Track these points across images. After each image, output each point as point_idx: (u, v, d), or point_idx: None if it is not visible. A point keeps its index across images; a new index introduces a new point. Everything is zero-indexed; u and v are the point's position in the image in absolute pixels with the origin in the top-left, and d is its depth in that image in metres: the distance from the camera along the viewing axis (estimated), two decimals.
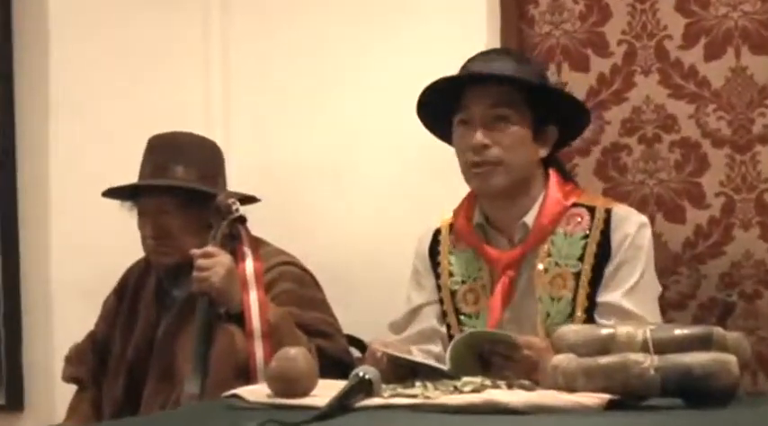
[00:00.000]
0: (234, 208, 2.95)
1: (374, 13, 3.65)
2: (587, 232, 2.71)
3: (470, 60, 2.81)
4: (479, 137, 2.71)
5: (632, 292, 2.66)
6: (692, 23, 3.31)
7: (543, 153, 2.78)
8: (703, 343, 2.06)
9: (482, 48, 3.31)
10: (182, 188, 3.15)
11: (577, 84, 3.40)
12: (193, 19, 3.85)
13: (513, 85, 2.72)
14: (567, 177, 2.86)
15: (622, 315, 2.60)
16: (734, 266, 3.25)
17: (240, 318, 2.92)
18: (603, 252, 2.69)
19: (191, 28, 3.85)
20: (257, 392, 2.26)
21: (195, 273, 2.90)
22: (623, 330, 2.11)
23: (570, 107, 2.83)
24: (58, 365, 3.45)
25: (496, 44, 3.44)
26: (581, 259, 2.69)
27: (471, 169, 2.74)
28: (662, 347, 2.05)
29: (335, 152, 3.66)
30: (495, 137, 2.71)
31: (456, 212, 2.85)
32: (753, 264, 3.23)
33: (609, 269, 2.68)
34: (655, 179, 3.33)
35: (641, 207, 3.29)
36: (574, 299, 2.67)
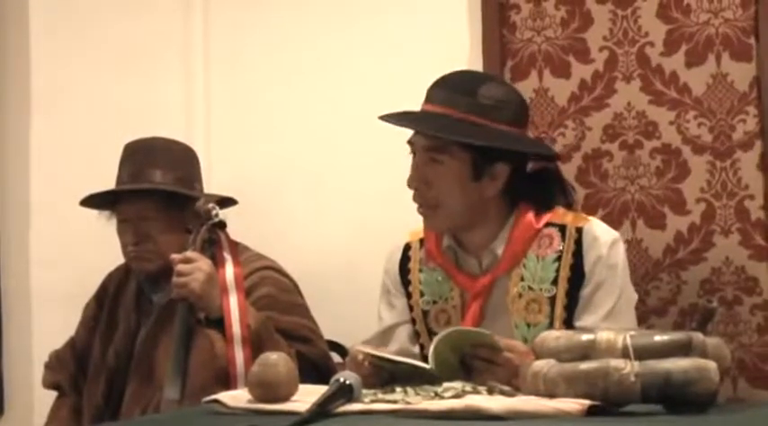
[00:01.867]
0: (213, 213, 2.94)
1: (356, 19, 3.65)
2: (559, 253, 2.67)
3: (432, 90, 2.74)
4: (412, 178, 2.70)
5: (610, 316, 2.63)
6: (674, 30, 3.32)
7: (492, 190, 2.70)
8: (683, 350, 2.06)
9: (464, 54, 3.34)
10: (161, 192, 3.15)
11: (559, 91, 3.40)
12: (174, 21, 3.85)
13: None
14: (568, 198, 2.80)
15: None
16: (714, 272, 3.26)
17: (220, 323, 2.91)
18: (577, 274, 2.65)
19: (172, 30, 3.85)
20: (238, 397, 2.25)
21: (175, 279, 2.89)
22: (604, 336, 2.11)
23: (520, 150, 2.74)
24: (38, 371, 3.45)
25: (478, 50, 3.44)
26: (555, 282, 2.65)
27: (417, 209, 2.73)
28: (642, 353, 2.05)
29: (315, 157, 3.67)
30: (429, 179, 2.68)
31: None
32: (733, 271, 3.24)
33: (584, 292, 2.65)
34: (636, 185, 3.33)
35: (622, 213, 3.30)
36: (550, 325, 2.63)
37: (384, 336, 2.83)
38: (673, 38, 3.32)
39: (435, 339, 2.41)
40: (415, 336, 2.80)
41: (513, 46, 3.47)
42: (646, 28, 3.34)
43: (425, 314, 2.77)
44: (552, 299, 2.65)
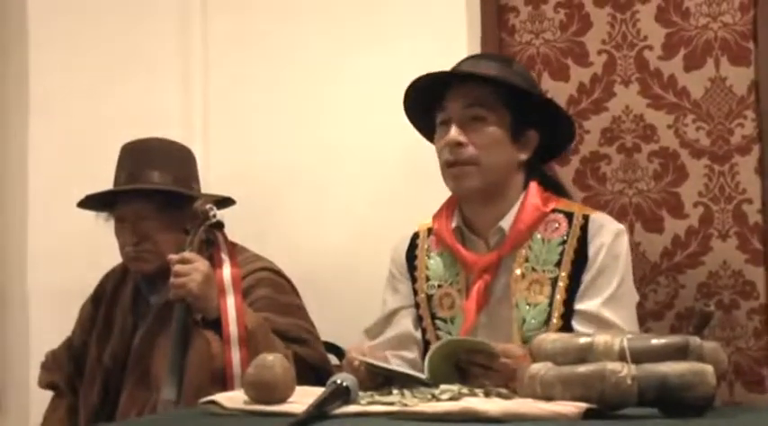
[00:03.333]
0: (211, 213, 2.94)
1: (355, 22, 3.65)
2: (565, 237, 2.71)
3: (459, 63, 2.82)
4: (454, 134, 2.72)
5: (610, 301, 2.66)
6: (672, 34, 3.32)
7: (523, 157, 2.78)
8: (680, 353, 2.06)
9: (463, 56, 3.32)
10: (159, 193, 3.15)
11: (557, 94, 3.41)
12: (173, 24, 3.85)
13: (492, 86, 2.72)
14: (561, 192, 2.85)
15: (600, 323, 2.61)
16: (711, 276, 3.26)
17: (217, 324, 2.91)
18: (580, 258, 2.69)
19: (170, 33, 3.85)
20: (234, 398, 2.25)
21: (172, 279, 2.89)
22: (601, 339, 2.10)
23: (553, 113, 2.82)
24: (34, 371, 3.44)
25: (477, 53, 3.44)
26: (558, 265, 2.68)
27: (447, 168, 2.75)
28: (639, 356, 2.05)
29: (314, 157, 3.67)
30: (471, 136, 2.72)
31: (436, 215, 2.85)
32: (730, 274, 3.24)
33: (587, 277, 2.68)
34: (633, 188, 3.34)
35: (620, 216, 3.30)
36: (550, 305, 2.67)
37: (386, 321, 2.85)
38: (671, 42, 3.32)
39: (430, 350, 2.42)
40: (418, 321, 2.81)
41: (512, 49, 3.47)
42: (645, 31, 3.35)
43: (430, 298, 2.79)
44: (554, 281, 2.68)
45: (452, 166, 2.73)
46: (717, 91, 3.28)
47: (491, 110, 2.73)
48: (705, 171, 3.28)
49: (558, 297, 2.67)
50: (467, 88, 2.75)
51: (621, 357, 2.06)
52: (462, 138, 2.71)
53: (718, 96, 3.28)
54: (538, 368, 2.14)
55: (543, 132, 2.80)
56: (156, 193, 3.15)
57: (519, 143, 2.76)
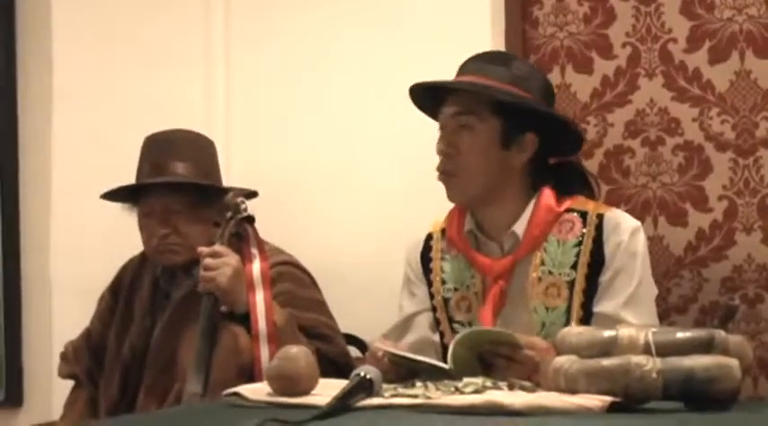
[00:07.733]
0: (242, 207, 2.94)
1: (377, 15, 3.65)
2: (580, 238, 2.69)
3: (465, 63, 2.80)
4: (440, 144, 2.73)
5: (630, 302, 2.64)
6: (697, 26, 3.31)
7: (518, 161, 2.74)
8: (705, 347, 2.05)
9: (486, 49, 3.32)
10: (187, 185, 3.14)
11: (581, 86, 3.40)
12: (195, 16, 3.85)
13: (480, 93, 2.71)
14: (589, 188, 2.82)
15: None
16: (736, 270, 3.25)
17: (244, 318, 2.90)
18: (596, 260, 2.67)
19: (193, 26, 3.85)
20: (258, 390, 2.26)
21: (202, 272, 2.89)
22: (626, 332, 2.10)
23: (552, 116, 2.79)
24: (57, 362, 3.45)
25: (500, 46, 3.44)
26: (574, 267, 2.67)
27: (439, 177, 2.75)
28: (664, 350, 2.05)
29: (336, 152, 3.66)
30: (458, 144, 2.71)
31: (448, 217, 2.83)
32: (755, 268, 3.23)
33: (604, 278, 2.66)
34: (658, 182, 3.33)
35: (644, 210, 3.29)
36: (568, 309, 2.65)
37: (404, 325, 2.84)
38: (696, 34, 3.31)
39: (453, 340, 2.42)
40: (436, 324, 2.80)
41: (536, 41, 3.46)
42: (669, 24, 3.33)
43: (446, 301, 2.78)
44: (571, 284, 2.66)
45: (440, 174, 2.75)
46: (742, 84, 3.26)
47: (479, 117, 2.71)
48: (730, 164, 3.27)
49: (576, 300, 2.65)
50: (458, 95, 2.73)
51: (646, 350, 2.06)
52: (449, 149, 2.71)
53: (743, 89, 3.26)
54: (562, 361, 2.13)
55: (545, 133, 2.76)
56: (184, 186, 3.14)
57: (513, 148, 2.73)
